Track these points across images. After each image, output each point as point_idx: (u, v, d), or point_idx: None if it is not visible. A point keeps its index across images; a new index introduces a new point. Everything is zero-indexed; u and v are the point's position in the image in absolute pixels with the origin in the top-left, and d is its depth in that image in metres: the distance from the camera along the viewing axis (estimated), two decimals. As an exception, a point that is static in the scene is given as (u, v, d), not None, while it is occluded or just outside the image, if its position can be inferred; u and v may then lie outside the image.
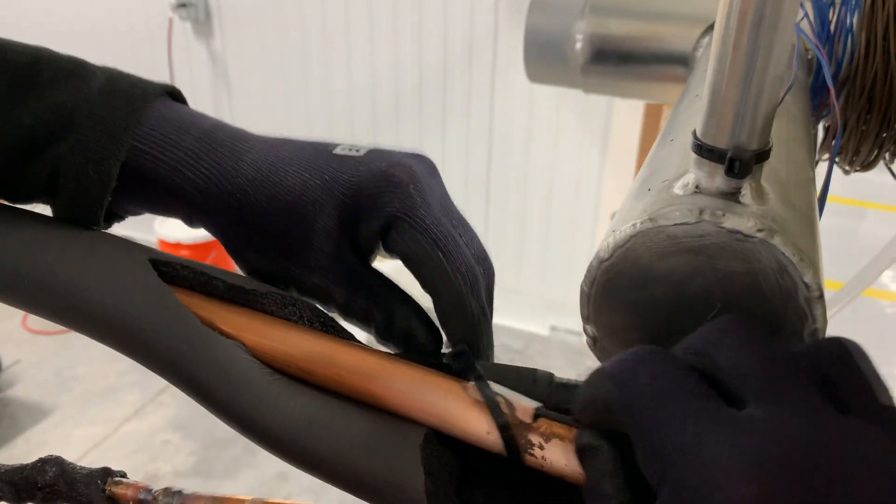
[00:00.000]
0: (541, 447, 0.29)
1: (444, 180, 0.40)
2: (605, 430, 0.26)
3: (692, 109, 0.44)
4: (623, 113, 2.30)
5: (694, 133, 0.30)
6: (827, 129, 0.62)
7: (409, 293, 0.39)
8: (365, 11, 2.52)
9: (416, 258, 0.36)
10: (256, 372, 0.35)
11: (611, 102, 2.30)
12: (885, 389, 0.25)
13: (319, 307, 0.39)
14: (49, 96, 0.37)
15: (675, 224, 0.29)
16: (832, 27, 0.58)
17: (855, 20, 0.57)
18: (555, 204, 2.54)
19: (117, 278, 0.37)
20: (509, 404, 0.31)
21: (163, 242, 2.59)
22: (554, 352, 2.63)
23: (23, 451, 2.19)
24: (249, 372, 0.35)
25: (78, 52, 0.40)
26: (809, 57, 0.59)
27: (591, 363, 0.30)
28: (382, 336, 0.39)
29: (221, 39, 2.80)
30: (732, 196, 0.29)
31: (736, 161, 0.29)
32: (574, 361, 2.57)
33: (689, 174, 0.31)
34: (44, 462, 0.40)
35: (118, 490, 0.39)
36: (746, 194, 0.29)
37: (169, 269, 0.38)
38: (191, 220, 0.40)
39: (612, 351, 0.35)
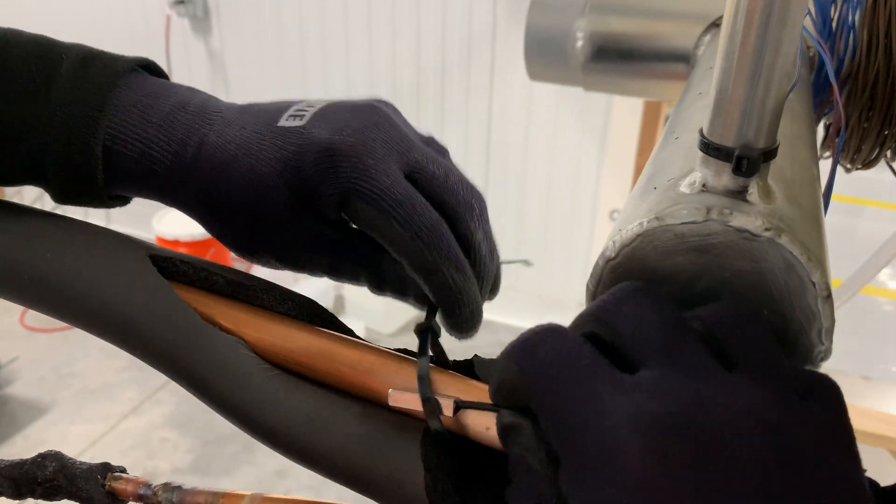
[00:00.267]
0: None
1: None
2: (524, 408, 0.27)
3: (695, 107, 0.44)
4: (622, 111, 2.30)
5: (700, 131, 0.30)
6: (828, 127, 0.62)
7: None
8: (363, 8, 2.52)
9: (373, 230, 0.35)
10: (256, 367, 0.35)
11: (609, 100, 2.30)
12: (770, 348, 0.26)
13: (318, 303, 0.39)
14: (20, 81, 0.37)
15: (682, 223, 0.29)
16: (834, 24, 0.58)
17: (857, 17, 0.57)
18: (553, 201, 2.54)
19: (116, 274, 0.37)
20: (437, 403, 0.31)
21: (160, 239, 2.58)
22: (552, 349, 2.63)
23: (21, 449, 2.19)
24: (249, 367, 0.35)
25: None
26: (811, 54, 0.59)
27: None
28: (377, 289, 0.39)
29: (219, 36, 2.79)
30: (740, 195, 0.29)
31: (744, 159, 0.28)
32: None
33: (696, 172, 0.31)
34: (43, 457, 0.40)
35: (118, 485, 0.39)
36: (754, 193, 0.29)
37: (168, 264, 0.38)
38: (169, 203, 0.40)
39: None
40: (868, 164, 0.62)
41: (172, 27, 2.79)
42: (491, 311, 0.41)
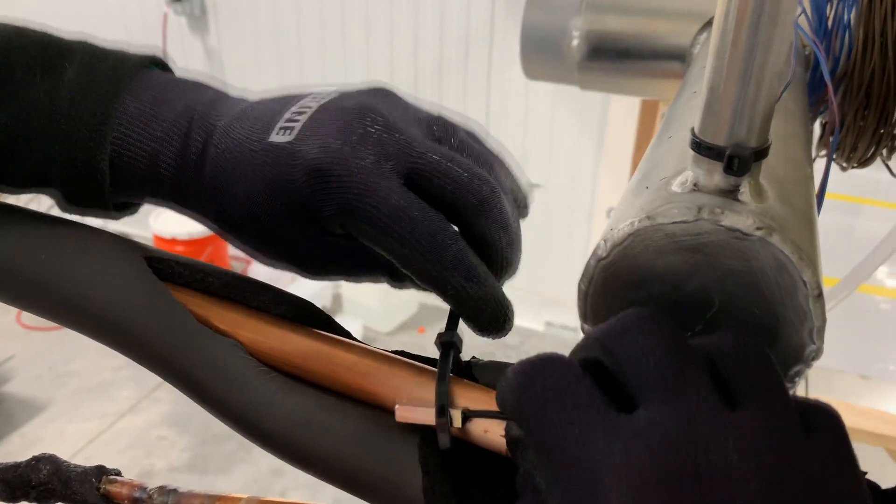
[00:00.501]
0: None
1: None
2: None
3: (689, 106, 0.44)
4: (619, 109, 2.30)
5: (692, 130, 0.30)
6: (824, 126, 0.62)
7: None
8: (361, 6, 2.52)
9: (374, 246, 0.34)
10: (252, 370, 0.35)
11: (606, 99, 2.30)
12: (775, 382, 0.25)
13: (314, 305, 0.39)
14: (24, 91, 0.37)
15: (674, 222, 0.29)
16: (829, 23, 0.58)
17: (852, 16, 0.57)
18: (550, 200, 2.54)
19: (112, 276, 0.37)
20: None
21: (158, 238, 2.58)
22: (549, 348, 2.62)
23: (18, 447, 2.19)
24: (245, 369, 0.35)
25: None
26: (807, 53, 0.59)
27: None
28: (398, 283, 0.38)
29: (217, 34, 2.79)
30: (731, 194, 0.29)
31: (735, 158, 0.28)
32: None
33: (688, 172, 0.31)
34: (38, 460, 0.40)
35: (113, 488, 0.39)
36: (745, 192, 0.29)
37: (164, 266, 0.38)
38: (180, 211, 0.39)
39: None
40: (864, 162, 0.62)
41: (170, 25, 2.79)
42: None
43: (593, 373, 0.26)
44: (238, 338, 0.36)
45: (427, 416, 0.31)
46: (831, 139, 0.57)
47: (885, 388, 2.55)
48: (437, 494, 0.31)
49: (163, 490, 0.39)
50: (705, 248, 0.29)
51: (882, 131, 0.59)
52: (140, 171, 0.37)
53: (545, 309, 2.70)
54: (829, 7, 0.58)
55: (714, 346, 0.26)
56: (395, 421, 0.32)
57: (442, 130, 0.37)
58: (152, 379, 2.28)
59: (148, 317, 0.36)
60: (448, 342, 0.34)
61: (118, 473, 0.40)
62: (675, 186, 0.31)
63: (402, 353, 0.36)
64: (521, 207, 0.39)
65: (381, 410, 0.33)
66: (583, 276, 0.31)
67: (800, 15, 0.57)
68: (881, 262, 0.63)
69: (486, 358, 0.36)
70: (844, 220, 3.48)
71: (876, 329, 2.83)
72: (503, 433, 0.29)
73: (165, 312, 0.36)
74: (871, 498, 0.25)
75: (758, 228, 0.28)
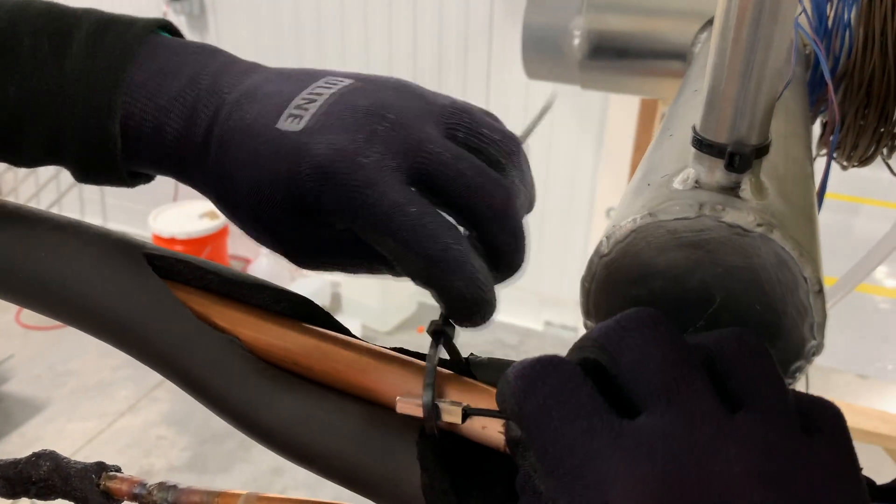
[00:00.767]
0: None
1: None
2: None
3: (691, 104, 0.44)
4: (618, 108, 2.30)
5: (693, 128, 0.30)
6: (825, 125, 0.62)
7: None
8: (360, 5, 2.52)
9: (378, 247, 0.33)
10: (252, 367, 0.35)
11: (606, 98, 2.30)
12: (775, 383, 0.25)
13: (314, 302, 0.39)
14: (32, 60, 0.36)
15: (675, 219, 0.29)
16: (830, 22, 0.58)
17: (853, 15, 0.57)
18: (550, 199, 2.54)
19: (112, 273, 0.37)
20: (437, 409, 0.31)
21: (157, 237, 2.58)
22: (548, 347, 2.64)
23: (17, 447, 2.19)
24: (245, 367, 0.35)
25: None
26: (807, 52, 0.59)
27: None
28: (396, 273, 0.36)
29: (216, 33, 2.79)
30: (732, 191, 0.29)
31: (736, 156, 0.29)
32: (569, 357, 2.58)
33: (689, 169, 0.31)
34: (38, 456, 0.40)
35: (113, 485, 0.39)
36: (746, 189, 0.29)
37: (164, 263, 0.38)
38: (186, 182, 0.38)
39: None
40: (864, 161, 0.62)
41: (169, 25, 2.79)
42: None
43: (593, 374, 0.26)
44: (238, 335, 0.36)
45: (420, 408, 0.31)
46: (832, 138, 0.57)
47: (884, 388, 2.55)
48: (435, 491, 0.31)
49: (162, 486, 0.39)
50: (707, 244, 0.29)
51: (882, 130, 0.59)
52: (146, 141, 0.36)
53: (544, 308, 2.70)
54: (829, 6, 0.58)
55: (714, 344, 0.26)
56: (394, 418, 0.32)
57: (458, 124, 0.35)
58: (151, 378, 2.28)
59: (148, 314, 0.36)
60: (440, 330, 0.33)
61: (118, 470, 0.40)
62: (677, 184, 0.31)
63: (401, 349, 0.36)
64: (529, 202, 0.38)
65: (380, 407, 0.33)
66: (585, 272, 0.32)
67: (800, 14, 0.57)
68: (880, 261, 0.63)
69: (484, 356, 0.36)
70: (843, 219, 3.48)
71: (874, 328, 2.83)
72: (501, 430, 0.29)
73: (165, 310, 0.36)
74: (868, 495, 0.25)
75: (759, 225, 0.28)
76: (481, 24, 2.40)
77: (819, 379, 2.45)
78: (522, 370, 0.26)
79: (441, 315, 0.34)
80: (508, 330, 2.68)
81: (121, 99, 0.36)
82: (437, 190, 0.33)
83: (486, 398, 0.32)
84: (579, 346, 0.28)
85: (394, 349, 0.36)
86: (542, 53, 0.80)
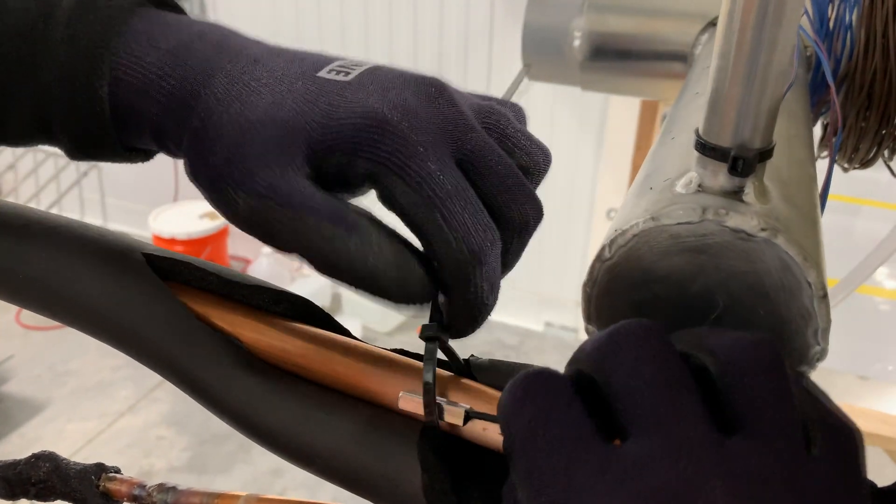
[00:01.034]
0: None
1: None
2: None
3: (692, 107, 0.44)
4: (619, 110, 2.30)
5: (696, 131, 0.30)
6: (826, 127, 0.62)
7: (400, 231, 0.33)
8: (361, 5, 2.52)
9: (408, 217, 0.30)
10: (251, 368, 0.35)
11: (606, 99, 2.30)
12: (783, 403, 0.24)
13: (314, 303, 0.39)
14: (17, 21, 0.34)
15: (678, 223, 0.29)
16: (831, 24, 0.58)
17: (854, 17, 0.57)
18: (550, 200, 2.52)
19: (111, 274, 0.37)
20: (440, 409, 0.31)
21: (157, 238, 2.58)
22: (548, 348, 2.64)
23: (17, 447, 2.19)
24: (244, 368, 0.35)
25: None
26: (808, 54, 0.59)
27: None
28: (358, 269, 0.32)
29: (217, 33, 2.79)
30: (735, 195, 0.29)
31: (739, 159, 0.28)
32: (568, 358, 2.58)
33: (692, 172, 0.31)
34: (37, 458, 0.40)
35: (112, 486, 0.39)
36: (749, 193, 0.29)
37: (164, 264, 0.38)
38: (159, 145, 0.35)
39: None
40: (865, 163, 0.62)
41: (169, 25, 2.79)
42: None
43: (588, 389, 0.25)
44: (238, 336, 0.36)
45: (422, 406, 0.31)
46: (833, 140, 0.57)
47: (884, 389, 2.55)
48: (436, 492, 0.31)
49: (162, 488, 0.38)
50: (710, 248, 0.29)
51: (884, 132, 0.59)
52: (138, 91, 0.33)
53: (544, 309, 2.70)
54: (830, 8, 0.58)
55: (724, 355, 0.25)
56: (395, 419, 0.32)
57: (492, 121, 0.34)
58: (151, 379, 2.28)
59: (148, 315, 0.36)
60: (434, 336, 0.33)
61: (117, 471, 0.40)
62: (680, 187, 0.31)
63: (402, 351, 0.36)
64: None
65: (380, 408, 0.33)
66: (587, 277, 0.31)
67: (802, 15, 0.57)
68: (881, 262, 0.63)
69: (485, 357, 0.36)
70: (845, 220, 3.48)
71: (875, 330, 2.83)
72: (501, 432, 0.29)
73: (165, 310, 0.36)
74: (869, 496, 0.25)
75: (762, 229, 0.28)
76: (482, 25, 2.40)
77: (819, 380, 2.44)
78: (514, 385, 0.25)
79: (434, 321, 0.33)
80: (508, 330, 2.67)
81: (109, 60, 0.33)
82: (471, 178, 0.31)
83: (487, 400, 0.32)
84: (575, 358, 0.27)
85: (394, 350, 0.36)
86: (542, 55, 0.80)
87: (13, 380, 2.47)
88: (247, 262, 2.95)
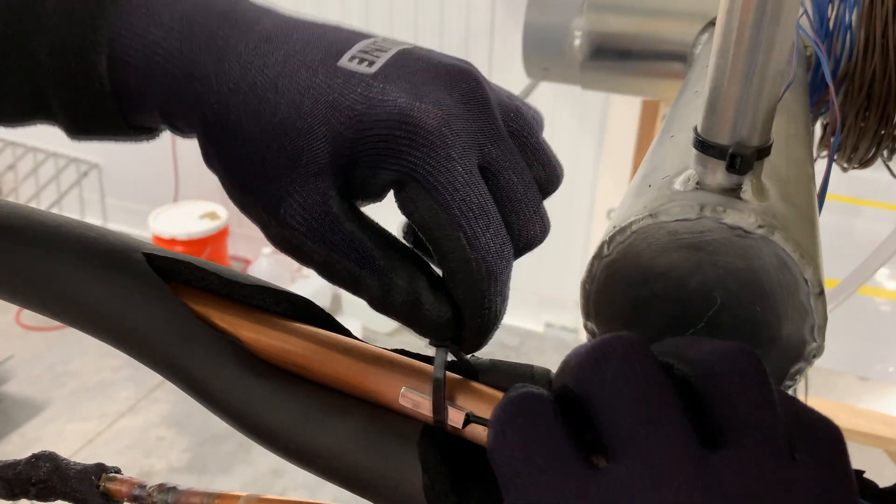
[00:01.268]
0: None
1: None
2: None
3: (692, 106, 0.44)
4: (619, 110, 2.30)
5: (695, 129, 0.30)
6: (825, 127, 0.62)
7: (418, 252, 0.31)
8: (361, 5, 2.52)
9: (428, 231, 0.29)
10: (252, 368, 0.35)
11: (607, 99, 2.30)
12: (766, 412, 0.23)
13: (314, 303, 0.39)
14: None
15: (676, 220, 0.29)
16: (831, 24, 0.58)
17: (854, 17, 0.57)
18: (550, 200, 2.54)
19: (112, 273, 0.37)
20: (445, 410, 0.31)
21: (157, 238, 2.58)
22: (549, 348, 2.64)
23: (17, 447, 2.19)
24: (245, 368, 0.35)
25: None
26: (808, 54, 0.59)
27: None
28: (378, 306, 0.31)
29: (217, 34, 2.79)
30: (733, 192, 0.29)
31: (737, 157, 0.29)
32: (569, 358, 2.58)
33: (690, 170, 0.31)
34: (37, 458, 0.40)
35: (112, 486, 0.39)
36: (747, 190, 0.29)
37: (164, 264, 0.38)
38: (168, 125, 0.33)
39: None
40: (864, 163, 0.63)
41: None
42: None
43: (574, 402, 0.25)
44: (238, 336, 0.36)
45: (427, 406, 0.31)
46: (832, 140, 0.57)
47: (885, 390, 2.55)
48: (436, 492, 0.31)
49: (162, 488, 0.39)
50: (707, 245, 0.29)
51: (883, 132, 0.59)
52: (138, 64, 0.31)
53: (544, 309, 2.70)
54: (830, 8, 0.58)
55: (704, 366, 0.24)
56: (395, 419, 0.32)
57: (517, 126, 0.32)
58: (151, 379, 2.28)
59: (148, 314, 0.36)
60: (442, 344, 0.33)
61: (118, 471, 0.40)
62: (678, 185, 0.31)
63: (401, 351, 0.36)
64: None
65: (380, 408, 0.33)
66: (586, 274, 0.31)
67: (801, 15, 0.57)
68: (881, 263, 0.63)
69: (486, 358, 0.36)
70: (845, 221, 3.48)
71: (875, 331, 2.83)
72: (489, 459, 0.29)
73: (165, 310, 0.36)
74: (869, 496, 0.25)
75: (760, 226, 0.28)
76: (482, 24, 2.40)
77: (820, 381, 2.45)
78: (498, 409, 0.25)
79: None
80: (508, 331, 2.67)
81: (106, 31, 0.31)
82: (490, 187, 0.30)
83: (488, 401, 0.32)
84: (561, 370, 0.27)
85: (394, 350, 0.36)
86: (542, 54, 0.80)
87: (13, 380, 2.47)
88: (247, 262, 2.95)
